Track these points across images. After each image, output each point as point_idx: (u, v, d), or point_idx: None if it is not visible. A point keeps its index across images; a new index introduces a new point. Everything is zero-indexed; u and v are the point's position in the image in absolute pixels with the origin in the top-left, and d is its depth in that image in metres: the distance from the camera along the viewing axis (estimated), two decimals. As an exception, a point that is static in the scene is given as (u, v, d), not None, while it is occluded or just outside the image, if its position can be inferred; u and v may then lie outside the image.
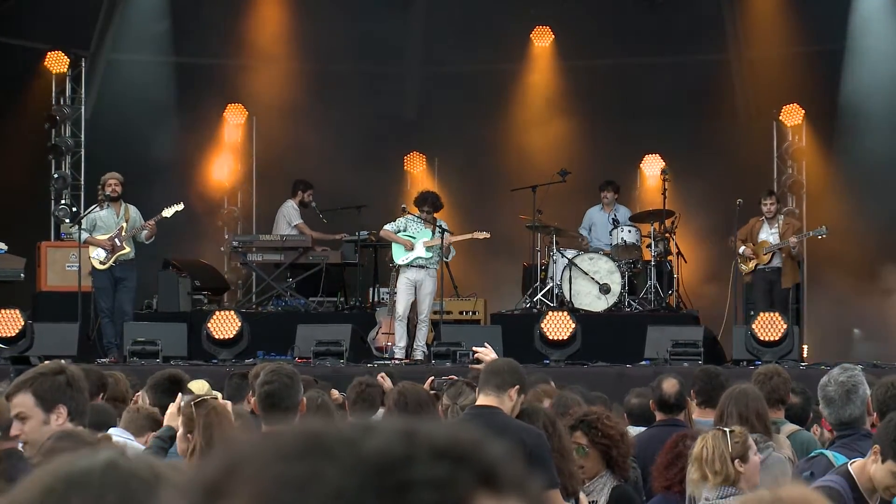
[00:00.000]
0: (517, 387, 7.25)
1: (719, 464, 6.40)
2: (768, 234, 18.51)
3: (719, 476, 6.38)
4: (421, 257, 17.91)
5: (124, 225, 17.61)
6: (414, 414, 8.01)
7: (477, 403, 7.38)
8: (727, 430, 6.56)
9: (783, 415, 8.63)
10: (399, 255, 18.04)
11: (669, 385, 9.07)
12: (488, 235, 18.42)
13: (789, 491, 2.56)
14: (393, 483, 1.37)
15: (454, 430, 1.43)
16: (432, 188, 19.40)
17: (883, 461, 5.76)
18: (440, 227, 18.00)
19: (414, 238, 17.98)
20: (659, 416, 9.17)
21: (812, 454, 6.46)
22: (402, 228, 18.11)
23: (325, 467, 1.38)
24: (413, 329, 18.31)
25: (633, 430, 9.12)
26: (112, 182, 17.64)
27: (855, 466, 5.87)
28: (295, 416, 6.87)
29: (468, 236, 18.42)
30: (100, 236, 17.63)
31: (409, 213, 18.37)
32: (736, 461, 6.43)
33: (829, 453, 6.23)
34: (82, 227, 17.70)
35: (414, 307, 18.15)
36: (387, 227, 18.31)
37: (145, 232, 17.63)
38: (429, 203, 18.13)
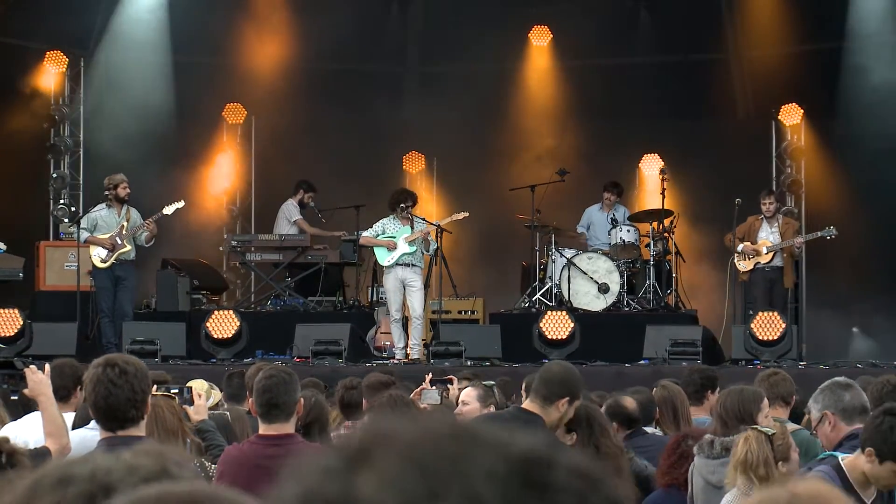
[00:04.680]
0: (566, 398, 7.13)
1: (764, 469, 6.30)
2: (768, 234, 18.50)
3: (765, 481, 6.31)
4: (406, 253, 17.82)
5: (125, 224, 17.62)
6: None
7: (522, 406, 7.40)
8: (769, 431, 6.47)
9: (787, 414, 8.61)
10: (384, 257, 17.92)
11: (628, 402, 9.07)
12: (467, 214, 18.35)
13: (805, 487, 2.55)
14: (539, 479, 1.43)
15: (588, 459, 1.49)
16: (432, 188, 19.35)
17: (881, 462, 5.75)
18: (419, 221, 17.92)
19: (394, 237, 17.88)
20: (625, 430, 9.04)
21: (821, 456, 6.38)
22: (380, 231, 17.97)
23: (475, 450, 1.43)
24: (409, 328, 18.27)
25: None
26: (125, 184, 17.65)
27: (847, 462, 5.86)
28: (293, 416, 6.87)
29: (448, 220, 18.33)
30: (101, 236, 17.64)
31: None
32: (779, 463, 6.38)
33: (839, 456, 6.17)
34: (83, 226, 17.70)
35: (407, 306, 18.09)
36: (365, 233, 18.20)
37: (145, 234, 17.62)
38: (411, 199, 18.04)
